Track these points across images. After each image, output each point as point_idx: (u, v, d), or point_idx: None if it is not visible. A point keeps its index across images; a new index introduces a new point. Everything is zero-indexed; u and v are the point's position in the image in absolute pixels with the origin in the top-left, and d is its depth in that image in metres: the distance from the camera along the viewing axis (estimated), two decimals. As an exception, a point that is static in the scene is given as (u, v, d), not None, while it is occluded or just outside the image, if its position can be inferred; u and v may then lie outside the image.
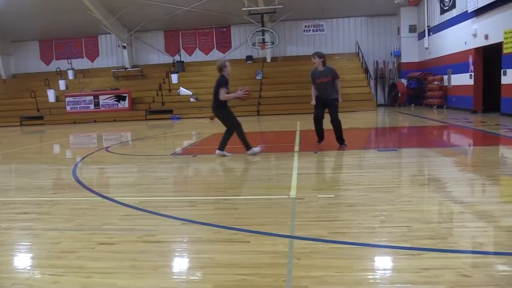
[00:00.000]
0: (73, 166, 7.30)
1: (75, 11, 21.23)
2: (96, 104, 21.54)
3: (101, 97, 21.53)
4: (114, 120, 20.59)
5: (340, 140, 7.78)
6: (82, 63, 25.85)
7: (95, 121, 20.71)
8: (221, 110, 7.31)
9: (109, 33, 24.31)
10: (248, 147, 7.36)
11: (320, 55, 7.68)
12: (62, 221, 3.96)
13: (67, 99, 21.61)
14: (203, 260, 2.91)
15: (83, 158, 8.29)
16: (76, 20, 22.67)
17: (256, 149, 7.41)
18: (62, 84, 23.46)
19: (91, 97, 21.55)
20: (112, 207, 4.40)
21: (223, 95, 7.12)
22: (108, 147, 9.96)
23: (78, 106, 21.56)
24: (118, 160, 8.04)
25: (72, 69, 24.75)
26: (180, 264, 2.99)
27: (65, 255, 3.07)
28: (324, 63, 7.66)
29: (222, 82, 7.13)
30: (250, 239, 3.24)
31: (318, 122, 7.84)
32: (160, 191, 5.23)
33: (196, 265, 2.89)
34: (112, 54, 25.74)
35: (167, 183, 5.73)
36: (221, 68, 7.21)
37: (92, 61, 25.99)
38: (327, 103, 7.71)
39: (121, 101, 21.41)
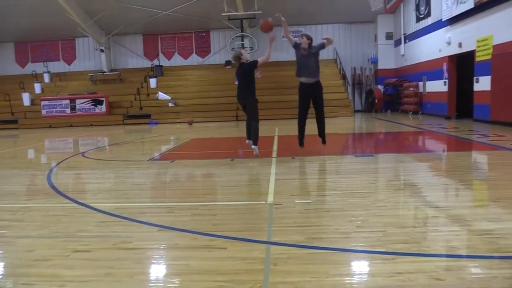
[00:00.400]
0: (48, 171, 7.16)
1: (52, 13, 20.89)
2: (73, 108, 21.20)
3: (77, 101, 21.21)
4: (91, 125, 20.29)
5: (323, 136, 7.90)
6: (59, 66, 25.41)
7: (71, 126, 20.35)
8: (255, 100, 7.56)
9: (87, 36, 23.97)
10: (256, 142, 7.53)
11: (308, 37, 7.83)
12: (35, 228, 3.88)
13: (43, 102, 21.21)
14: (179, 267, 2.89)
15: (59, 163, 8.14)
16: (53, 23, 22.30)
17: (256, 150, 7.54)
18: (37, 87, 23.00)
19: (68, 101, 21.21)
20: (87, 214, 4.33)
21: (262, 59, 7.67)
22: (84, 152, 9.80)
23: (54, 110, 21.17)
24: (94, 165, 7.92)
25: (48, 72, 24.30)
26: (157, 271, 2.97)
27: (38, 263, 3.01)
28: (309, 46, 7.77)
29: (252, 65, 7.52)
30: (227, 245, 3.24)
31: (302, 123, 7.84)
32: (137, 197, 5.17)
33: (173, 272, 2.87)
34: (89, 58, 25.39)
35: (144, 189, 5.67)
36: (239, 57, 7.57)
37: (69, 64, 25.58)
38: (313, 97, 7.68)
39: (98, 106, 21.13)
